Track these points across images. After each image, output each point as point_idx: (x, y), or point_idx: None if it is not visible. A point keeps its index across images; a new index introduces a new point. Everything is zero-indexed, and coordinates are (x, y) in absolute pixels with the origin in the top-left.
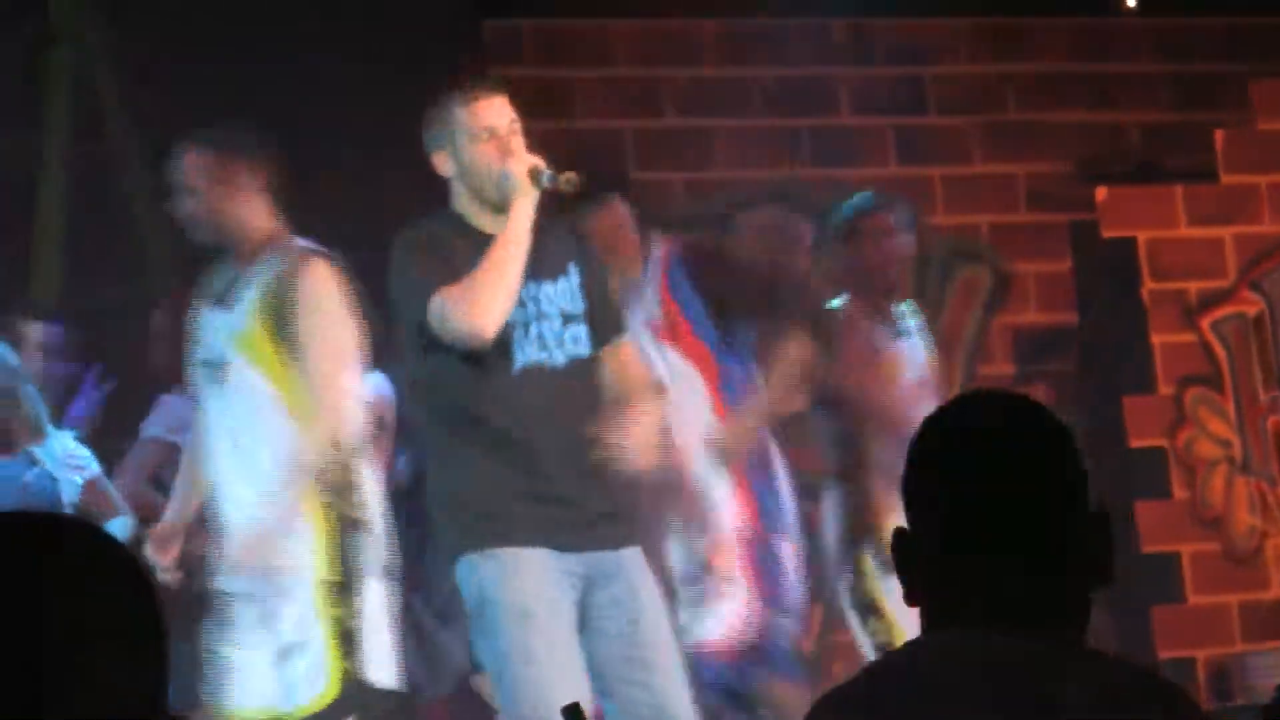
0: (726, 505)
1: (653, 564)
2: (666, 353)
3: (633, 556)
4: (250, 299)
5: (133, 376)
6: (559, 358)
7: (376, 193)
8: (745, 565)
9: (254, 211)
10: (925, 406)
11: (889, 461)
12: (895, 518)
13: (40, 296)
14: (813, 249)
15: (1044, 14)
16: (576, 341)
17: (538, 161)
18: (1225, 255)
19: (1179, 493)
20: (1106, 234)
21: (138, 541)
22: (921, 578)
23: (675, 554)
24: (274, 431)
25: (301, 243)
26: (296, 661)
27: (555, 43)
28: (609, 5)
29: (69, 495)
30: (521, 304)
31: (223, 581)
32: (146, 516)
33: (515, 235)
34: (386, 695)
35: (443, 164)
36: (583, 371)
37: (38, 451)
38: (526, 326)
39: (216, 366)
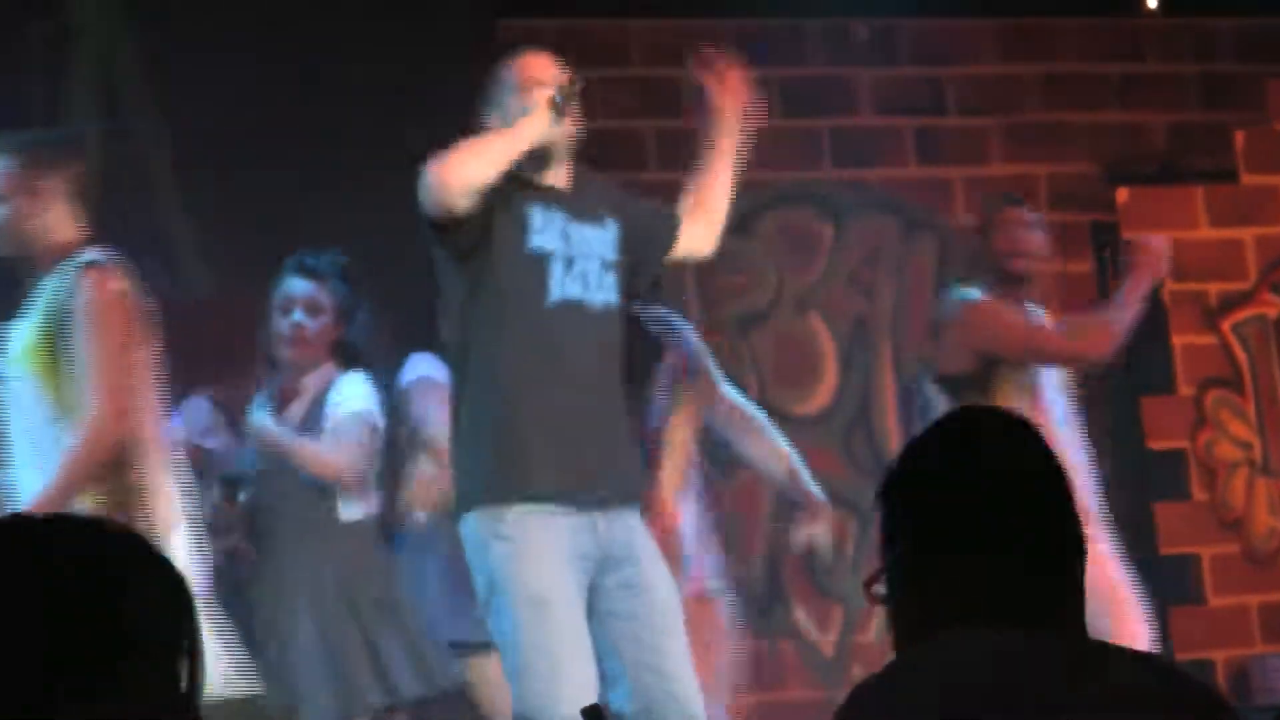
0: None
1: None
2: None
3: (640, 528)
4: (36, 310)
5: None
6: (597, 299)
7: (391, 191)
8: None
9: (57, 220)
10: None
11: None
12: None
13: None
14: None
15: (1064, 15)
16: (611, 288)
17: (554, 91)
18: (1246, 257)
19: (1199, 494)
20: (1127, 235)
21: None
22: (921, 596)
23: None
24: (51, 442)
25: (90, 254)
26: None
27: (573, 42)
28: (627, 5)
29: None
30: (565, 239)
31: None
32: None
33: (513, 130)
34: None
35: (490, 122)
36: (613, 319)
37: None
38: (569, 261)
39: (5, 378)
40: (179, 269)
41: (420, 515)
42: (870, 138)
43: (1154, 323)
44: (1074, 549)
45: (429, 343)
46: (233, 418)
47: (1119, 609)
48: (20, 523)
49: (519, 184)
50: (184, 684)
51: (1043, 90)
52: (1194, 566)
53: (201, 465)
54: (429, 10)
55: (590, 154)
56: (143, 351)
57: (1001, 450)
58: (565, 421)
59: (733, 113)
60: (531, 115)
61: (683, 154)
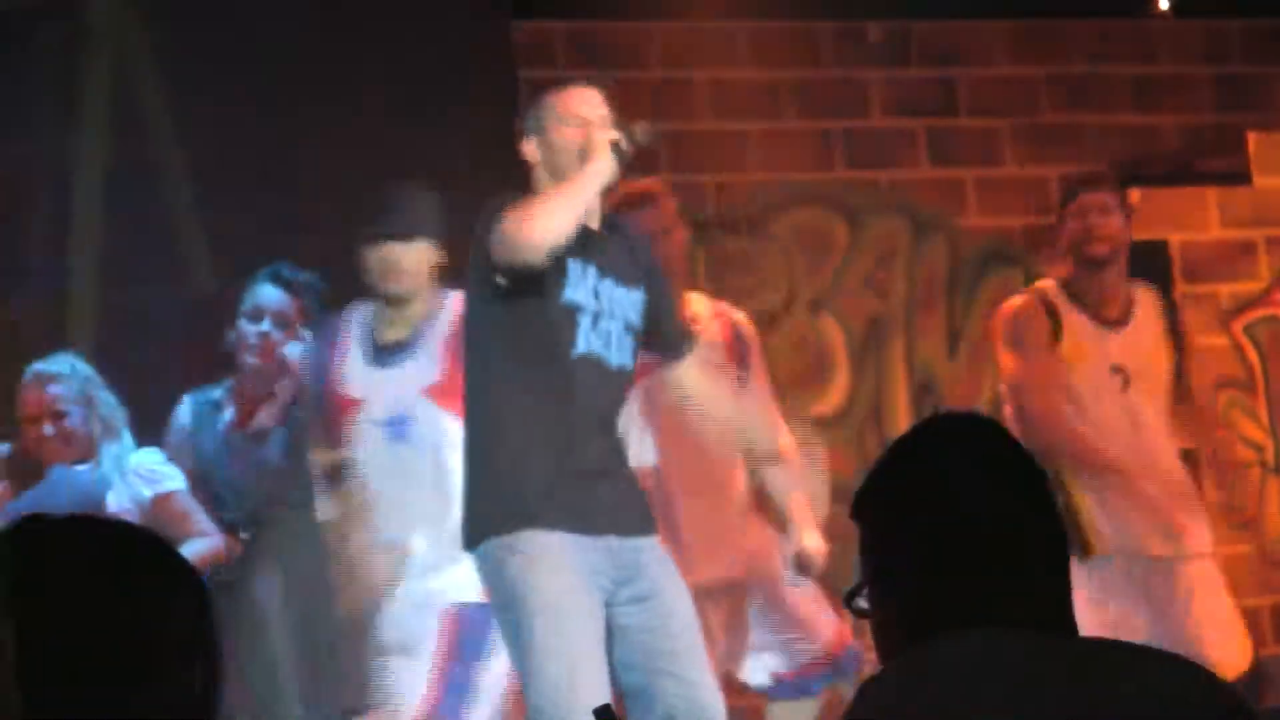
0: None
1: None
2: None
3: (652, 548)
4: None
5: (165, 377)
6: (613, 359)
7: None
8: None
9: None
10: (1122, 408)
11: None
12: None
13: (77, 297)
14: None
15: (1076, 16)
16: (628, 353)
17: (619, 136)
18: (1258, 258)
19: (1211, 495)
20: (1138, 236)
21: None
22: (919, 602)
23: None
24: None
25: None
26: None
27: (587, 44)
28: (641, 7)
29: (122, 503)
30: (595, 296)
31: None
32: None
33: (584, 179)
34: None
35: (530, 150)
36: (626, 380)
37: (104, 454)
38: (596, 318)
39: None
40: (188, 269)
41: None
42: (883, 139)
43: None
44: (1058, 548)
45: None
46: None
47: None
48: (41, 524)
49: None
50: (200, 687)
51: (1055, 91)
52: None
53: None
54: (442, 12)
55: None
56: None
57: (975, 454)
58: (577, 463)
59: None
60: (596, 161)
61: (695, 156)
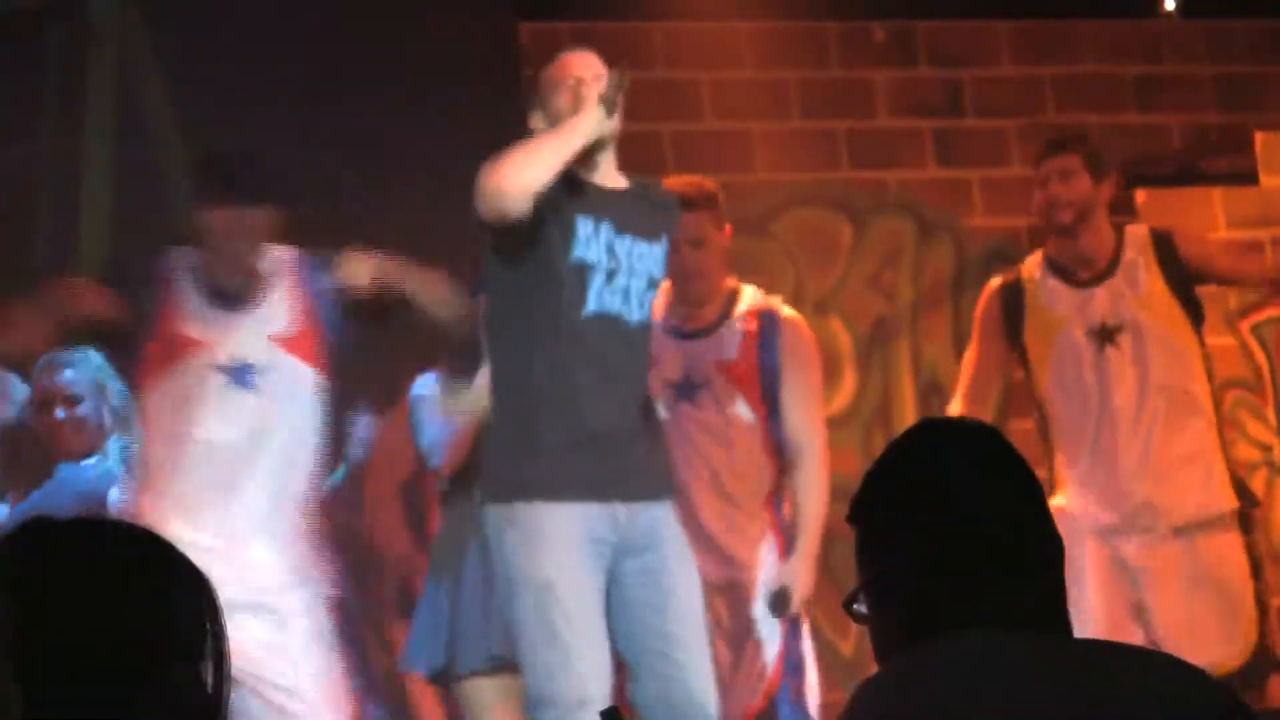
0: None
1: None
2: (730, 392)
3: (668, 520)
4: None
5: None
6: (636, 316)
7: (413, 193)
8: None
9: None
10: (1099, 372)
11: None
12: None
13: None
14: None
15: (1082, 17)
16: (648, 308)
17: (608, 86)
18: (1265, 258)
19: None
20: None
21: None
22: (918, 604)
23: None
24: None
25: None
26: None
27: (592, 45)
28: (645, 7)
29: (125, 499)
30: (610, 252)
31: None
32: None
33: (566, 129)
34: None
35: (535, 121)
36: (647, 337)
37: (110, 448)
38: (611, 275)
39: None
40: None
41: None
42: (888, 139)
43: None
44: (1053, 549)
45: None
46: None
47: None
48: (44, 525)
49: (569, 187)
50: (210, 688)
51: (1060, 92)
52: None
53: None
54: (447, 13)
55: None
56: None
57: (972, 456)
58: (588, 426)
59: None
60: (581, 112)
61: (700, 156)
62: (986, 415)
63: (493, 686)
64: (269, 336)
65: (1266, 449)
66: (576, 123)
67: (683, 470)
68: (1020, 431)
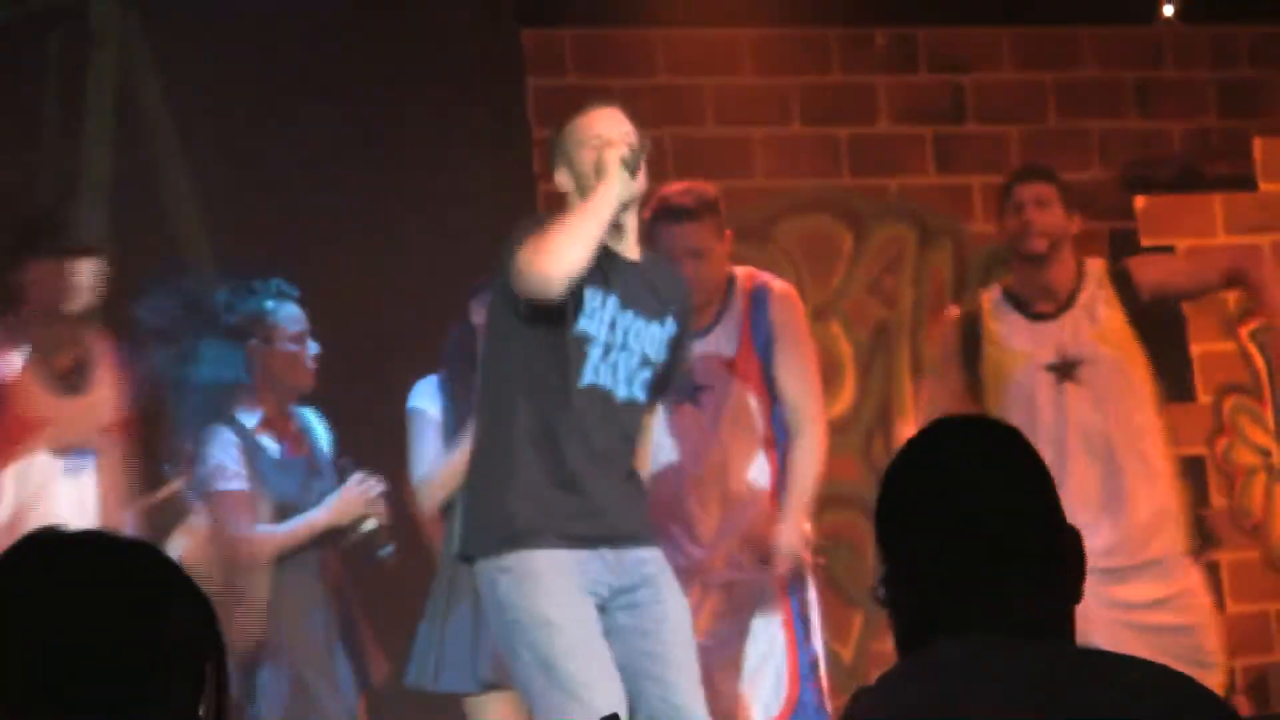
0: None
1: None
2: (734, 392)
3: (656, 559)
4: None
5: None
6: (621, 393)
7: (415, 201)
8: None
9: None
10: (1057, 406)
11: None
12: None
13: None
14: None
15: (1082, 23)
16: (641, 386)
17: (626, 149)
18: None
19: (1217, 501)
20: (1145, 242)
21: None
22: (920, 604)
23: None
24: None
25: None
26: None
27: (595, 52)
28: (648, 14)
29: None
30: (611, 327)
31: None
32: None
33: (596, 202)
34: None
35: (561, 180)
36: (636, 413)
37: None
38: (607, 349)
39: None
40: (192, 275)
41: None
42: (889, 145)
43: (1173, 330)
44: (1061, 557)
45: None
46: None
47: None
48: (55, 539)
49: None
50: (209, 710)
51: (1061, 97)
52: (1213, 573)
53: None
54: (450, 20)
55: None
56: None
57: (983, 458)
58: (566, 488)
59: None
60: (606, 180)
61: (702, 162)
62: None
63: (493, 703)
64: (104, 423)
65: (1265, 453)
66: (606, 194)
67: (688, 467)
68: None
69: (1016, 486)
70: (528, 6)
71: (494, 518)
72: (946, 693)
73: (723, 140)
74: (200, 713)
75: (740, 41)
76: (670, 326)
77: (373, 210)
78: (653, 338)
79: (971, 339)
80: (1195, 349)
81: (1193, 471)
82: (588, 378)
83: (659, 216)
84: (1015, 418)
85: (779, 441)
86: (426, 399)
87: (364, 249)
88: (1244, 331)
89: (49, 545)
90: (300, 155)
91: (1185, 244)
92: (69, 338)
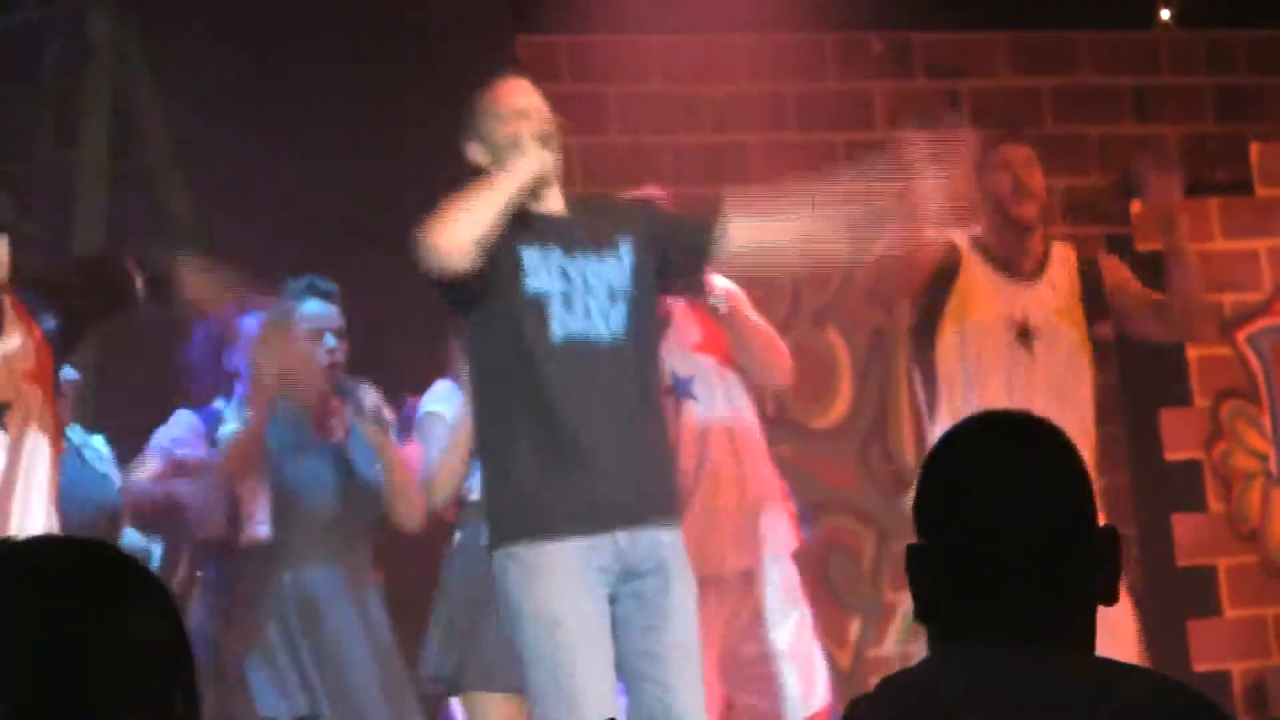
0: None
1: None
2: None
3: (673, 544)
4: None
5: (166, 387)
6: (602, 332)
7: (409, 207)
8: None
9: None
10: (1010, 361)
11: None
12: None
13: None
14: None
15: (1079, 28)
16: (620, 320)
17: (550, 125)
18: (1260, 268)
19: (1215, 506)
20: (1141, 247)
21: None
22: (934, 594)
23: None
24: None
25: None
26: None
27: (590, 58)
28: (643, 21)
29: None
30: (564, 276)
31: None
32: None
33: (500, 176)
34: None
35: (474, 153)
36: (624, 350)
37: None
38: (567, 298)
39: None
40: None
41: None
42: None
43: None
44: (1086, 562)
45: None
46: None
47: None
48: (18, 545)
49: (512, 222)
50: (176, 710)
51: (1057, 103)
52: (1211, 578)
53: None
54: (445, 27)
55: (607, 169)
56: None
57: (1010, 459)
58: (573, 459)
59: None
60: (517, 154)
61: (698, 169)
62: None
63: (495, 703)
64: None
65: (1263, 458)
66: (513, 169)
67: (692, 462)
68: None
69: (1039, 488)
70: (522, 13)
71: (500, 507)
72: (944, 700)
73: (718, 146)
74: (171, 709)
75: (736, 47)
76: (628, 256)
77: (369, 217)
78: (612, 270)
79: (946, 279)
80: (1192, 353)
81: (1190, 476)
82: (558, 332)
83: None
84: (972, 371)
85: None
86: (441, 403)
87: (360, 256)
88: (1241, 336)
89: (3, 554)
90: (296, 163)
91: None
92: None
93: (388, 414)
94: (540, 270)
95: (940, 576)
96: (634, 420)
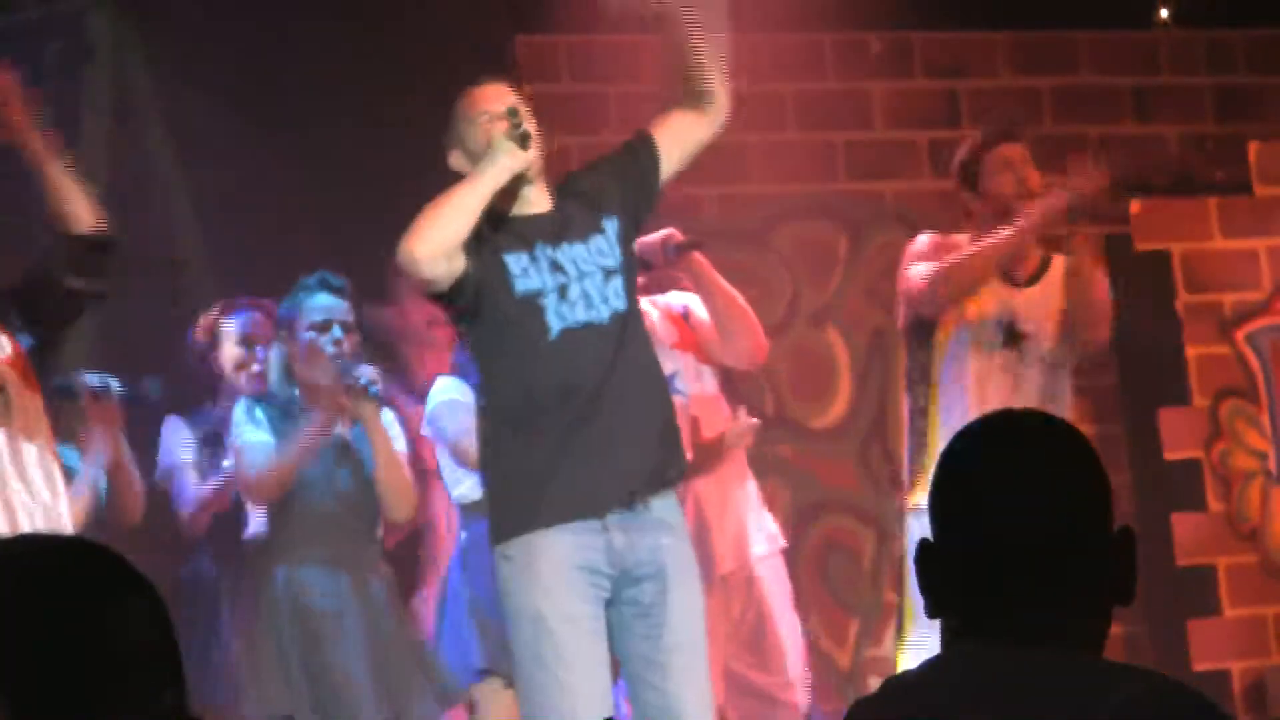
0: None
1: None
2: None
3: (673, 547)
4: None
5: (163, 386)
6: (604, 313)
7: (412, 209)
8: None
9: None
10: (995, 365)
11: None
12: None
13: None
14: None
15: (1078, 28)
16: (617, 295)
17: (529, 126)
18: (1259, 267)
19: (1215, 505)
20: (1140, 247)
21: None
22: (945, 592)
23: None
24: None
25: None
26: None
27: (589, 58)
28: (643, 21)
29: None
30: (554, 269)
31: None
32: None
33: (473, 179)
34: None
35: (455, 160)
36: (626, 322)
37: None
38: (563, 290)
39: None
40: (187, 284)
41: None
42: (885, 150)
43: (1169, 334)
44: (1093, 563)
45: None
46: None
47: None
48: (9, 544)
49: (494, 227)
50: (167, 706)
51: (1056, 102)
52: (1210, 578)
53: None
54: (445, 27)
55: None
56: None
57: (1022, 459)
58: (571, 449)
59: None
60: (489, 157)
61: (697, 168)
62: None
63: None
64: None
65: (1262, 457)
66: (483, 172)
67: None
68: None
69: (1044, 488)
70: (522, 13)
71: (499, 507)
72: (944, 702)
73: (718, 145)
74: (164, 708)
75: (735, 47)
76: (613, 223)
77: (370, 217)
78: (600, 249)
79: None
80: (1191, 352)
81: (1189, 475)
82: (555, 327)
83: None
84: (966, 376)
85: None
86: (455, 391)
87: (362, 257)
88: (1240, 335)
89: None
90: (297, 163)
91: (1181, 248)
92: None
93: (393, 412)
94: (528, 271)
95: (949, 574)
96: (633, 391)
